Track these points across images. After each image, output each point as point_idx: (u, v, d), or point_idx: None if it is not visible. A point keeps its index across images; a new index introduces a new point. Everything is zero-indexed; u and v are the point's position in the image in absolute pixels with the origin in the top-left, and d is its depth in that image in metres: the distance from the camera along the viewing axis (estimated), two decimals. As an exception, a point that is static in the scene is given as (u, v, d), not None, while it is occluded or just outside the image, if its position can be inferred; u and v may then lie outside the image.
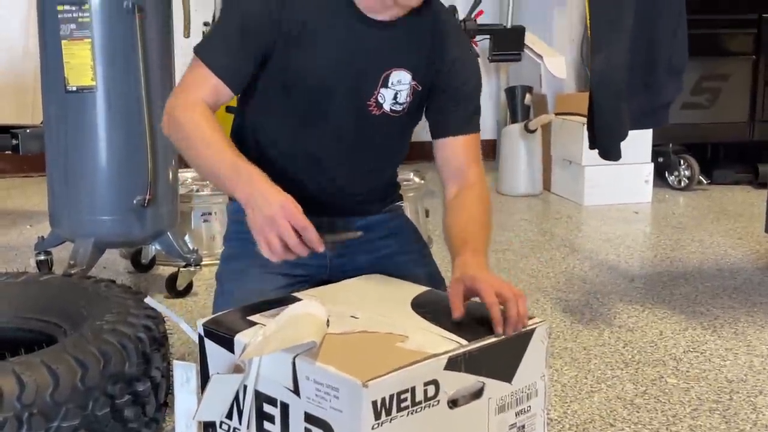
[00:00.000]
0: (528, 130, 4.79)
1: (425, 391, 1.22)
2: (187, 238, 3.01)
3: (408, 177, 3.69)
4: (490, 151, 5.41)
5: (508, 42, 4.74)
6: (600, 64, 2.66)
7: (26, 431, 1.46)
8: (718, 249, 3.67)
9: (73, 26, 2.59)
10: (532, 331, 1.37)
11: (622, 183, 4.57)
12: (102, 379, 1.56)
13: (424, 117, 1.75)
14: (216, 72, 1.56)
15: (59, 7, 2.59)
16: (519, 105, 4.92)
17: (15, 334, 1.87)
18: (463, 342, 1.29)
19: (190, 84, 1.58)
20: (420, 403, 1.21)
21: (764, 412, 2.10)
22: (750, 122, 5.00)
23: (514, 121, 4.92)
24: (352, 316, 1.38)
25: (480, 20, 4.80)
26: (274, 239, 1.41)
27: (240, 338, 1.31)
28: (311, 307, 1.38)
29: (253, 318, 1.38)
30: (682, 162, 4.93)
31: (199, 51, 1.60)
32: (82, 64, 2.60)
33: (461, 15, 4.58)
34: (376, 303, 1.49)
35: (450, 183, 1.70)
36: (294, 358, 1.23)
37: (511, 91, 5.00)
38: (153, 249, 3.13)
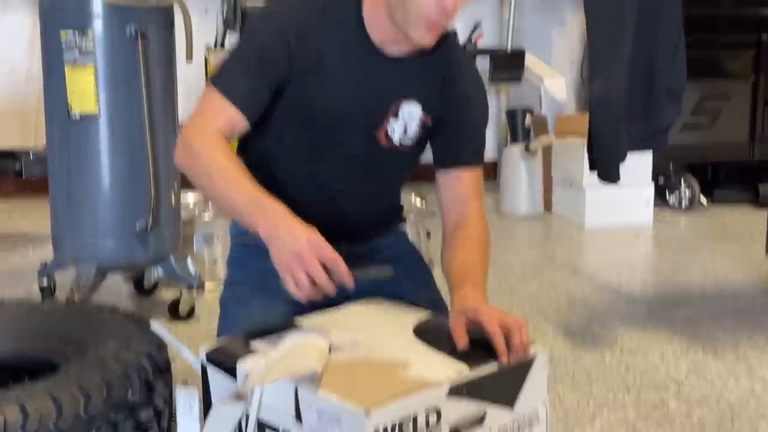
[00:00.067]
0: (529, 151, 4.81)
1: (427, 419, 1.22)
2: (189, 261, 3.03)
3: (410, 199, 3.70)
4: (491, 171, 5.42)
5: (509, 65, 4.77)
6: (599, 88, 2.68)
7: (30, 459, 1.46)
8: (719, 271, 3.68)
9: (76, 53, 2.61)
10: (534, 358, 1.38)
11: (623, 204, 4.58)
12: (105, 408, 1.56)
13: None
14: (234, 101, 1.54)
15: (62, 34, 2.61)
16: (519, 126, 4.93)
17: (18, 362, 1.87)
18: (465, 369, 1.30)
19: (207, 115, 1.56)
20: (422, 430, 1.22)
21: (766, 435, 2.10)
22: (750, 142, 5.02)
23: (514, 141, 4.94)
24: (354, 343, 1.39)
25: (480, 42, 4.84)
26: (301, 276, 1.36)
27: (242, 366, 1.32)
28: (313, 335, 1.39)
29: (255, 345, 1.38)
30: (682, 182, 4.93)
31: (217, 81, 1.58)
32: (86, 90, 2.62)
33: (461, 38, 4.60)
34: (378, 329, 1.49)
35: (449, 214, 1.70)
36: (296, 387, 1.24)
37: (511, 113, 5.02)
38: (156, 273, 3.14)
